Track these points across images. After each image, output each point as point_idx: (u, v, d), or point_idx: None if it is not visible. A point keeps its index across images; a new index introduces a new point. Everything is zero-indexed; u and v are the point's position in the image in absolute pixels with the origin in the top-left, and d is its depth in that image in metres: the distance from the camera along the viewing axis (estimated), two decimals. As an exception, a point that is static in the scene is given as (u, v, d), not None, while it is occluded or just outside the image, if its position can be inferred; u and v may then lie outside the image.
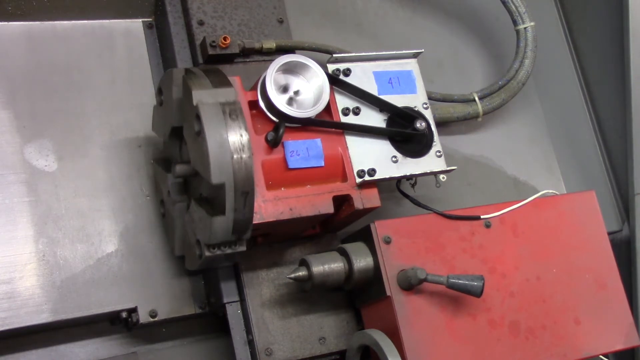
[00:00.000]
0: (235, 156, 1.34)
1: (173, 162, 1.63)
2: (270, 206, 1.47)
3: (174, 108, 1.48)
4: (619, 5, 2.05)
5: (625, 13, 2.04)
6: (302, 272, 1.52)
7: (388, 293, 1.52)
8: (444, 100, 1.95)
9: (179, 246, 1.54)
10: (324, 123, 1.57)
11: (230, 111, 1.37)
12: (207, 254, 1.38)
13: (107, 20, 1.80)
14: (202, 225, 1.41)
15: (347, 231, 1.68)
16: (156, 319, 1.63)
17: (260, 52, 1.74)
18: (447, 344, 1.53)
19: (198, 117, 1.36)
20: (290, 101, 1.54)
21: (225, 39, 1.67)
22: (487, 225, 1.66)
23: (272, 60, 1.54)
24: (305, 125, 1.55)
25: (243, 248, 1.42)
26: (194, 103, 1.36)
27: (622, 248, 2.10)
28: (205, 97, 1.37)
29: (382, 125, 1.62)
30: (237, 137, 1.35)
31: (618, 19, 2.06)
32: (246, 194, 1.37)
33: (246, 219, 1.38)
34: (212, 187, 1.35)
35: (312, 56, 1.61)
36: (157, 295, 1.65)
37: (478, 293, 1.48)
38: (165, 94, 1.53)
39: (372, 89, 1.63)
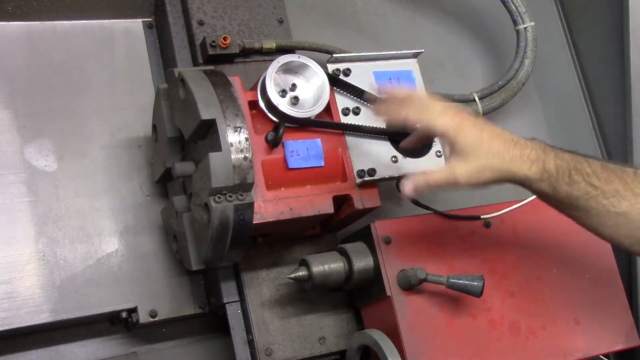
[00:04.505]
0: (221, 95, 1.38)
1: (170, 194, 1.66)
2: (270, 206, 1.47)
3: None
4: (619, 5, 2.05)
5: (625, 13, 2.03)
6: (302, 272, 1.52)
7: (388, 293, 1.52)
8: (444, 100, 1.95)
9: (195, 259, 1.51)
10: (324, 123, 1.57)
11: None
12: (213, 205, 1.35)
13: (107, 20, 1.80)
14: (202, 179, 1.41)
15: (347, 231, 1.68)
16: (156, 319, 1.63)
17: (260, 52, 1.74)
18: (447, 344, 1.53)
19: (183, 81, 1.41)
20: (290, 101, 1.54)
21: (225, 39, 1.67)
22: (487, 225, 1.66)
23: (272, 60, 1.54)
24: (305, 125, 1.55)
25: (251, 199, 1.39)
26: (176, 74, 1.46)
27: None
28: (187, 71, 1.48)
29: (382, 125, 1.62)
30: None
31: (618, 19, 2.06)
32: (239, 129, 1.37)
33: (243, 155, 1.37)
34: (203, 124, 1.37)
35: (312, 56, 1.61)
36: (157, 295, 1.64)
37: (478, 293, 1.48)
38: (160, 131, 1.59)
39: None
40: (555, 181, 1.35)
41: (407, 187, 1.40)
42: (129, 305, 1.61)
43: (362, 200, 1.56)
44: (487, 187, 1.38)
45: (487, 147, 1.35)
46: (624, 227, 1.35)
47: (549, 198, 1.39)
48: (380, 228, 1.56)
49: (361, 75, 1.64)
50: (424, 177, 1.39)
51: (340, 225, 1.68)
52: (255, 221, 1.43)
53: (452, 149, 1.37)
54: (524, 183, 1.38)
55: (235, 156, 1.37)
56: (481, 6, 2.23)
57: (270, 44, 1.74)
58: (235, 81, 1.52)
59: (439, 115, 1.38)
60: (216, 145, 1.37)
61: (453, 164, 1.36)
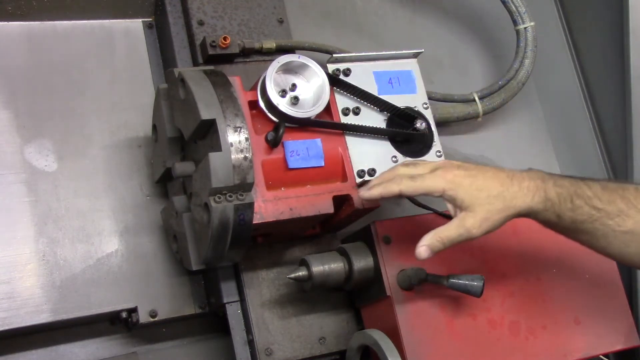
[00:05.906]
0: (221, 95, 1.38)
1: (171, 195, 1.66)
2: (270, 206, 1.47)
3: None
4: (619, 5, 2.05)
5: (625, 13, 2.03)
6: (302, 272, 1.52)
7: (388, 293, 1.52)
8: (444, 100, 1.95)
9: (195, 259, 1.51)
10: (324, 123, 1.57)
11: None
12: (213, 205, 1.35)
13: (107, 20, 1.80)
14: (202, 179, 1.41)
15: (347, 231, 1.68)
16: (156, 319, 1.63)
17: (260, 52, 1.74)
18: (447, 344, 1.53)
19: (183, 81, 1.41)
20: (290, 101, 1.54)
21: (225, 39, 1.67)
22: (487, 225, 1.65)
23: (272, 60, 1.54)
24: (305, 125, 1.55)
25: (251, 199, 1.39)
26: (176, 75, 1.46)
27: (622, 248, 2.10)
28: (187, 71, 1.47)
29: (382, 125, 1.62)
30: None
31: (618, 19, 2.06)
32: (239, 129, 1.38)
33: (243, 155, 1.37)
34: (203, 124, 1.37)
35: (312, 56, 1.61)
36: (157, 295, 1.64)
37: (478, 293, 1.48)
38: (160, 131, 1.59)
39: (372, 89, 1.63)
40: (559, 208, 1.37)
41: (423, 250, 1.38)
42: (129, 305, 1.61)
43: (362, 200, 1.56)
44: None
45: (486, 192, 1.36)
46: (632, 245, 1.36)
47: (555, 225, 1.41)
48: (380, 228, 1.56)
49: (361, 75, 1.64)
50: (437, 237, 1.38)
51: (340, 225, 1.68)
52: (255, 221, 1.43)
53: (455, 205, 1.39)
54: (529, 214, 1.40)
55: (235, 156, 1.37)
56: (481, 6, 2.23)
57: (270, 44, 1.74)
58: (235, 81, 1.52)
59: (429, 180, 1.39)
60: (216, 145, 1.37)
61: (461, 217, 1.38)
